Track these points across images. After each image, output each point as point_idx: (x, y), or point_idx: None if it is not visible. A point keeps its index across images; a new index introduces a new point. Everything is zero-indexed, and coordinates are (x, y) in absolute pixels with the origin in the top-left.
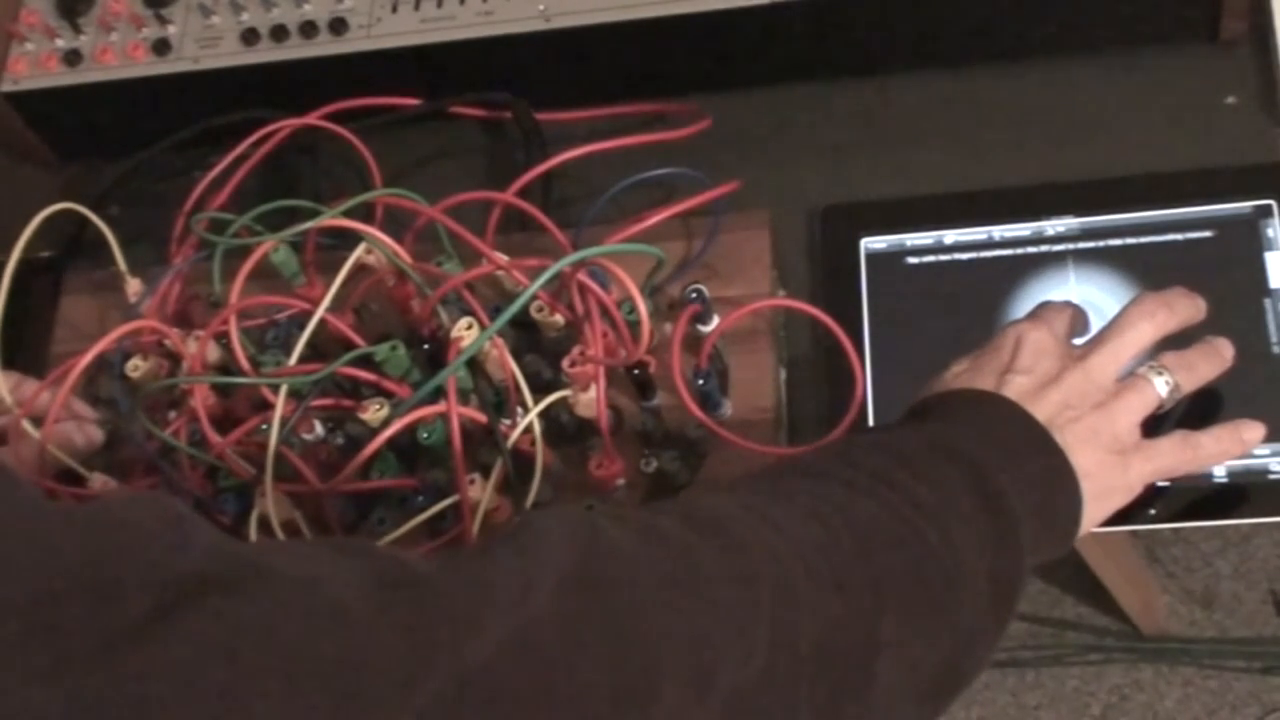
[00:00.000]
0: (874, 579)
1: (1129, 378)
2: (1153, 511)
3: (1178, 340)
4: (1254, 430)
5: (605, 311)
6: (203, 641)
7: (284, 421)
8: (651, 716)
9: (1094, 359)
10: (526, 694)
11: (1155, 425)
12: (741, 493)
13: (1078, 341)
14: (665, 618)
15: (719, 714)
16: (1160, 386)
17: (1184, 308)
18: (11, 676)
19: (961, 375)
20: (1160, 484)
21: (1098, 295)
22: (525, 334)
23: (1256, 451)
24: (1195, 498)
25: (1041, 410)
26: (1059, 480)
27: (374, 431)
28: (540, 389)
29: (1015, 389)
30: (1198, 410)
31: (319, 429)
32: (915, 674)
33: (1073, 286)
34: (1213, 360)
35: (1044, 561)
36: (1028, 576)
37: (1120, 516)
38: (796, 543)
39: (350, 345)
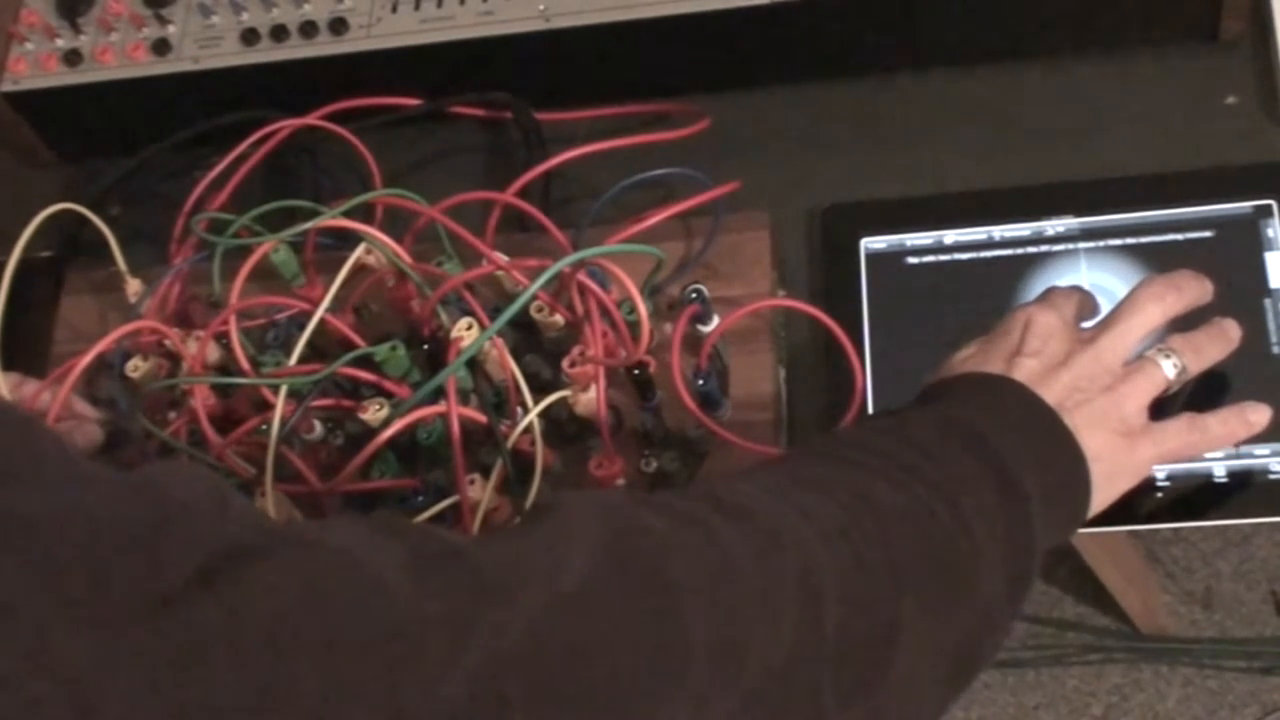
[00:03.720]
0: (893, 562)
1: (1137, 360)
2: (1158, 495)
3: (1184, 324)
4: (1260, 412)
5: (605, 311)
6: (246, 605)
7: (284, 421)
8: (682, 691)
9: (1103, 342)
10: (561, 666)
11: (1162, 409)
12: (762, 477)
13: (1086, 325)
14: (695, 596)
15: (747, 692)
16: (1168, 369)
17: (1192, 290)
18: (63, 631)
19: (970, 359)
20: (1160, 484)
21: (1100, 293)
22: (525, 334)
23: (1256, 451)
24: (1195, 498)
25: (1050, 393)
26: (1069, 462)
27: (374, 431)
28: (540, 389)
29: (1024, 372)
30: (1203, 396)
31: (319, 429)
32: (934, 655)
33: (1082, 278)
34: (1219, 342)
35: (1053, 544)
36: (1040, 558)
37: (1120, 516)
38: (819, 526)
39: (350, 345)
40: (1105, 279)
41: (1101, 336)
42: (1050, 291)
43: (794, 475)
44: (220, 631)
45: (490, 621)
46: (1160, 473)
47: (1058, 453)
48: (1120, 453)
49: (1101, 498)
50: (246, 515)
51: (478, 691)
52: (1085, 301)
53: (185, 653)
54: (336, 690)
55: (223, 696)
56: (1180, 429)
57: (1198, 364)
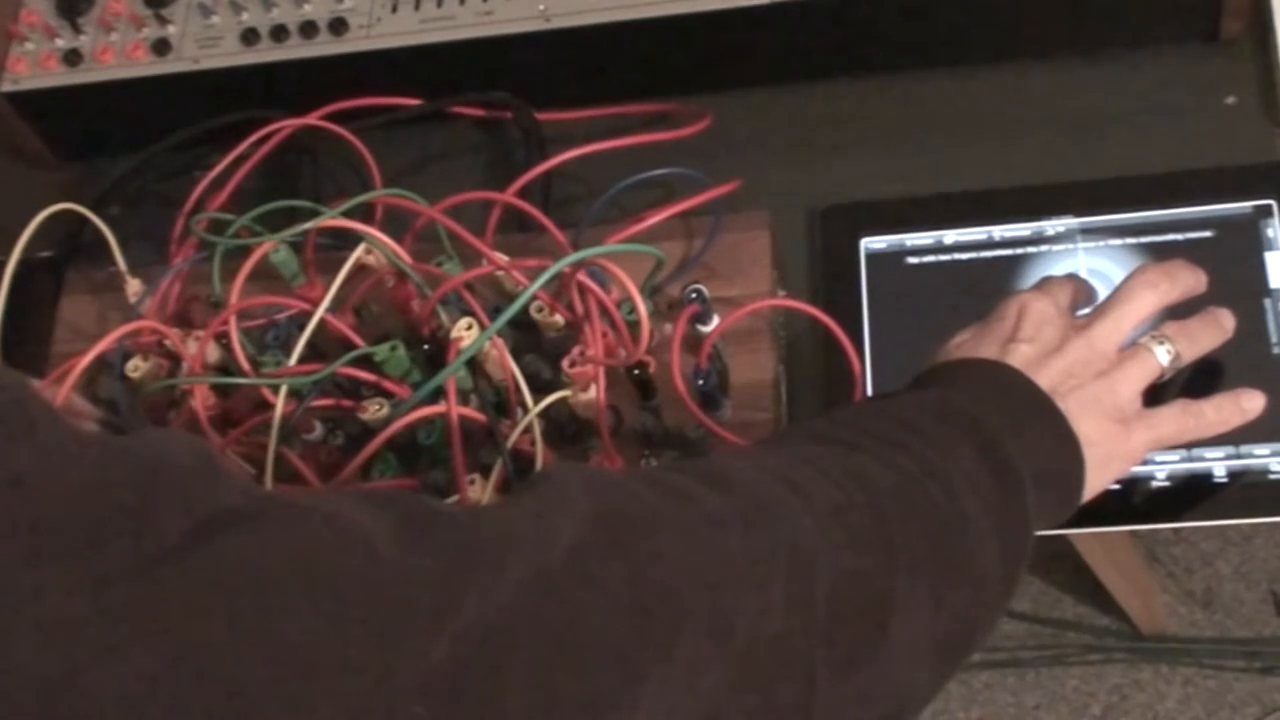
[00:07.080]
0: (887, 540)
1: (1131, 347)
2: (1158, 495)
3: (1179, 316)
4: (1254, 399)
5: (605, 311)
6: (236, 567)
7: (284, 421)
8: (670, 660)
9: (1097, 328)
10: (549, 633)
11: (1156, 397)
12: (755, 455)
13: (1081, 313)
14: (684, 567)
15: (736, 664)
16: (1162, 355)
17: (1185, 278)
18: (54, 588)
19: (965, 345)
20: (1160, 484)
21: (1098, 279)
22: (525, 334)
23: (1256, 451)
24: (1195, 498)
25: (1045, 378)
26: (1063, 447)
27: (374, 431)
28: (540, 389)
29: (1019, 357)
30: (1201, 390)
31: (319, 429)
32: (927, 634)
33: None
34: (1213, 330)
35: (1047, 528)
36: (1034, 540)
37: (1120, 516)
38: (812, 502)
39: (350, 345)
40: (1105, 278)
41: (1096, 323)
42: (1045, 280)
43: (787, 454)
44: (211, 590)
45: (478, 586)
46: (1160, 472)
47: (1051, 437)
48: (1114, 438)
49: (1095, 483)
50: (237, 481)
51: (466, 655)
52: (1080, 289)
53: (177, 606)
54: (325, 650)
55: (215, 643)
56: (1174, 414)
57: (1192, 351)
